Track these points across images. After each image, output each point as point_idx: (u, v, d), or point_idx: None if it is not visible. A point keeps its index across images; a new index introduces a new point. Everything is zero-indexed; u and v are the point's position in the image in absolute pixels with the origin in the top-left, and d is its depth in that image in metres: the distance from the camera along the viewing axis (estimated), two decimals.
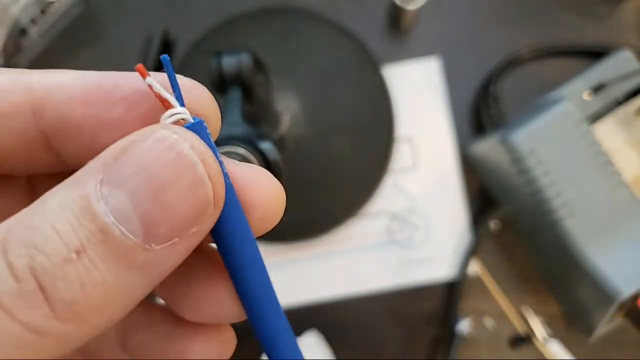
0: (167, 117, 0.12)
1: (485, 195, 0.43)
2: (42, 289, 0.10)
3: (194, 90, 0.13)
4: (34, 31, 0.43)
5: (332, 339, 0.42)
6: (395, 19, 0.43)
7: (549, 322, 0.42)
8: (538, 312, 0.43)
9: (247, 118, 0.28)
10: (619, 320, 0.39)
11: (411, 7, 0.40)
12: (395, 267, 0.43)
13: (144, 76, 0.12)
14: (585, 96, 0.40)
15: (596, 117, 0.39)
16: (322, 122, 0.42)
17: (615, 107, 0.40)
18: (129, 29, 0.44)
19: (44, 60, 0.45)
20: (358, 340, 0.43)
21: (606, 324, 0.37)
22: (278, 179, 0.26)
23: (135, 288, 0.11)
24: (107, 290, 0.10)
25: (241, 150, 0.24)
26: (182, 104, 0.12)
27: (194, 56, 0.43)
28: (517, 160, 0.38)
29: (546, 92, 0.40)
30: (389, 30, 0.45)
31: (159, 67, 0.40)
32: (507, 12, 0.45)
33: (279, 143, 0.40)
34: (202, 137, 0.12)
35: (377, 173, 0.43)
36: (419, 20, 0.44)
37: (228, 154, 0.24)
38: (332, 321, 0.43)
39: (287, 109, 0.41)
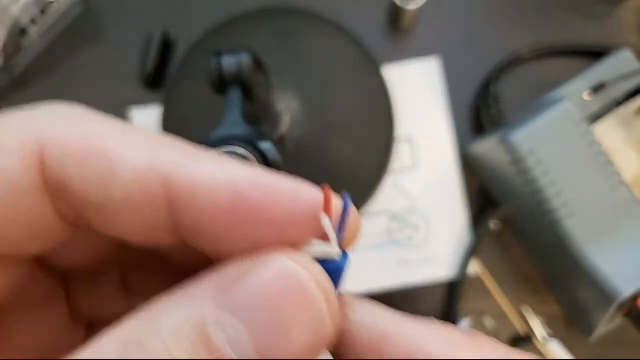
0: (311, 246, 0.11)
1: (485, 195, 0.43)
2: None
3: (352, 219, 0.12)
4: (34, 31, 0.43)
5: None
6: (395, 19, 0.43)
7: (549, 322, 0.42)
8: (538, 312, 0.43)
9: (247, 118, 0.28)
10: (619, 320, 0.39)
11: (411, 7, 0.40)
12: (395, 267, 0.43)
13: (327, 212, 0.11)
14: (585, 96, 0.40)
15: (596, 117, 0.39)
16: (322, 122, 0.42)
17: (615, 107, 0.40)
18: (129, 29, 0.44)
19: (44, 60, 0.45)
20: None
21: (606, 324, 0.37)
22: None
23: None
24: None
25: (241, 151, 0.24)
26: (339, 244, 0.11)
27: (194, 56, 0.43)
28: (517, 160, 0.38)
29: (546, 92, 0.40)
30: (389, 30, 0.45)
31: (159, 68, 0.40)
32: (507, 12, 0.45)
33: (279, 143, 0.40)
34: (335, 275, 0.11)
35: (377, 173, 0.43)
36: (419, 20, 0.44)
37: (228, 154, 0.24)
38: None
39: (287, 109, 0.41)
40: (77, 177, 0.11)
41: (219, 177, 0.11)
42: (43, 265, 0.13)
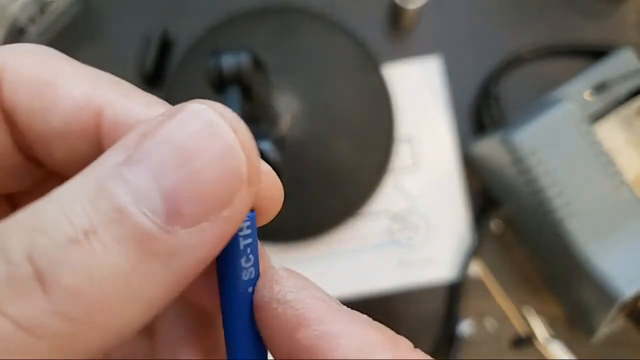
0: None
1: (486, 195, 0.43)
2: (38, 274, 0.08)
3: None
4: (32, 30, 0.43)
5: None
6: (396, 18, 0.43)
7: (551, 323, 0.42)
8: (539, 313, 0.42)
9: (246, 118, 0.28)
10: (621, 321, 0.38)
11: (411, 6, 0.40)
12: (395, 267, 0.43)
13: None
14: (587, 96, 0.40)
15: (597, 117, 0.39)
16: (321, 121, 0.42)
17: (616, 106, 0.40)
18: (128, 28, 0.44)
19: None
20: None
21: (608, 324, 0.37)
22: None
23: (156, 283, 0.09)
24: (119, 280, 0.08)
25: None
26: None
27: (193, 55, 0.43)
28: (518, 160, 0.37)
29: (547, 91, 0.40)
30: (390, 29, 0.44)
31: (158, 67, 0.40)
32: (508, 12, 0.45)
33: (279, 143, 0.40)
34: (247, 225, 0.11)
35: (377, 173, 0.43)
36: (420, 20, 0.44)
37: None
38: None
39: (287, 108, 0.41)
40: (24, 104, 0.11)
41: (141, 114, 0.11)
42: None
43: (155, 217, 0.09)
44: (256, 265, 0.12)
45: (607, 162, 0.37)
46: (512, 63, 0.44)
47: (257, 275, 0.12)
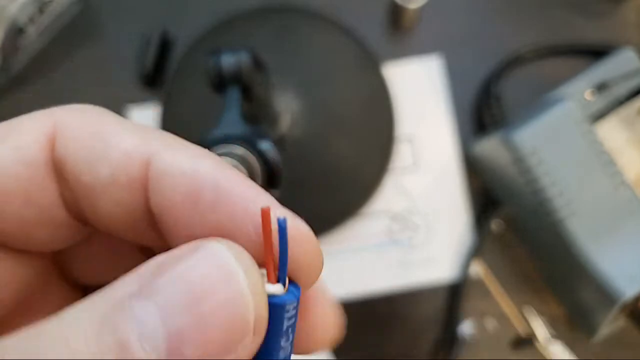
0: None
1: (487, 195, 0.43)
2: None
3: (298, 236, 0.12)
4: (31, 30, 0.43)
5: None
6: (396, 17, 0.43)
7: (552, 323, 0.42)
8: (540, 313, 0.42)
9: (246, 117, 0.28)
10: (622, 321, 0.38)
11: (412, 5, 0.40)
12: (396, 267, 0.43)
13: (266, 235, 0.10)
14: (587, 95, 0.40)
15: (598, 117, 0.39)
16: (322, 121, 0.42)
17: (617, 106, 0.40)
18: (128, 28, 0.44)
19: (42, 59, 0.44)
20: (359, 341, 0.43)
21: (609, 324, 0.37)
22: (277, 180, 0.26)
23: None
24: None
25: (240, 150, 0.24)
26: (284, 275, 0.11)
27: (192, 55, 0.43)
28: (518, 159, 0.37)
29: (548, 91, 0.40)
30: (390, 28, 0.44)
31: (157, 67, 0.40)
32: (508, 11, 0.45)
33: (279, 143, 0.40)
34: (276, 312, 0.10)
35: (377, 173, 0.43)
36: (420, 19, 0.44)
37: (227, 154, 0.23)
38: None
39: (287, 108, 0.41)
40: (75, 156, 0.11)
41: (186, 166, 0.11)
42: (62, 273, 0.14)
43: (156, 356, 0.09)
44: (292, 341, 0.11)
45: (607, 162, 0.37)
46: (513, 63, 0.43)
47: (292, 351, 0.11)
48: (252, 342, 0.10)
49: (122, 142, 0.12)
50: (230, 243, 0.10)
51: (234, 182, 0.11)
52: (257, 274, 0.10)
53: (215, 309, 0.09)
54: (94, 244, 0.14)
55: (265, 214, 0.11)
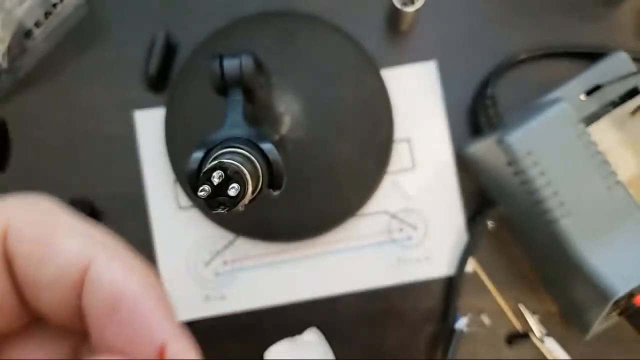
0: None
1: (482, 195, 0.44)
2: None
3: None
4: (38, 34, 0.44)
5: (332, 337, 0.43)
6: (394, 21, 0.44)
7: (545, 320, 0.43)
8: (534, 311, 0.43)
9: (248, 119, 0.29)
10: (615, 319, 0.39)
11: (410, 9, 0.41)
12: (393, 266, 0.44)
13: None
14: (582, 97, 0.40)
15: (592, 118, 0.40)
16: (322, 123, 0.43)
17: (611, 108, 0.40)
18: (132, 32, 0.45)
19: (48, 62, 0.45)
20: (357, 338, 0.44)
21: (602, 322, 0.38)
22: (279, 180, 0.27)
23: None
24: None
25: (243, 152, 0.25)
26: None
27: (196, 59, 0.44)
28: (514, 160, 0.38)
29: (543, 93, 0.41)
30: (388, 32, 0.45)
31: (162, 70, 0.41)
32: (504, 14, 0.45)
33: (280, 144, 0.40)
34: None
35: (376, 174, 0.43)
36: (417, 23, 0.45)
37: (230, 155, 0.24)
38: (331, 319, 0.44)
39: (288, 110, 0.42)
40: (24, 256, 0.13)
41: (115, 278, 0.13)
42: None
43: None
44: None
45: (601, 163, 0.37)
46: (508, 65, 0.44)
47: None
48: None
49: (66, 249, 0.13)
50: None
51: (152, 304, 0.13)
52: None
53: None
54: (31, 330, 0.15)
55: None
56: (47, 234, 0.13)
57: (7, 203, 0.14)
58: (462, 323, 0.43)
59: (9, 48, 0.42)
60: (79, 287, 0.13)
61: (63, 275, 0.13)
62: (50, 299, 0.13)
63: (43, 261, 0.13)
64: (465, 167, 0.44)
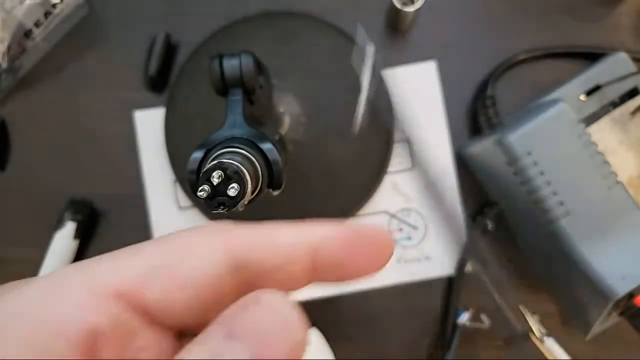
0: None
1: (482, 195, 0.44)
2: None
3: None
4: (38, 33, 0.44)
5: (333, 335, 0.43)
6: (394, 21, 0.44)
7: (545, 320, 0.43)
8: (534, 310, 0.43)
9: (248, 119, 0.29)
10: (615, 319, 0.39)
11: (410, 9, 0.41)
12: (394, 265, 0.44)
13: None
14: (581, 98, 0.40)
15: (592, 119, 0.40)
16: (321, 123, 0.43)
17: (610, 108, 0.40)
18: (132, 32, 0.45)
19: (48, 62, 0.45)
20: (357, 338, 0.44)
21: (602, 322, 0.38)
22: (279, 180, 0.27)
23: None
24: None
25: (243, 152, 0.25)
26: None
27: (196, 59, 0.44)
28: (513, 160, 0.38)
29: (543, 94, 0.41)
30: (388, 33, 0.45)
31: (162, 71, 0.41)
32: (504, 15, 0.45)
33: (280, 144, 0.40)
34: None
35: (376, 174, 0.43)
36: (417, 23, 0.45)
37: (230, 155, 0.24)
38: (332, 317, 0.44)
39: (288, 110, 0.42)
40: (261, 258, 0.15)
41: (334, 231, 0.15)
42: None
43: None
44: None
45: (601, 163, 0.37)
46: (508, 66, 0.44)
47: None
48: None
49: (282, 239, 0.15)
50: (283, 296, 0.13)
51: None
52: (301, 316, 0.13)
53: (278, 343, 0.12)
54: None
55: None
56: (269, 237, 0.15)
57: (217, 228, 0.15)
58: (464, 318, 0.43)
59: (9, 48, 0.42)
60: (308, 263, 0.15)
61: (292, 257, 0.15)
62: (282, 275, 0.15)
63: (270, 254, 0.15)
64: (465, 167, 0.44)
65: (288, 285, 0.15)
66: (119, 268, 0.13)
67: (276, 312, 0.13)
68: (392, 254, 0.16)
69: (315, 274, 0.16)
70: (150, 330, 0.14)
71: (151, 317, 0.14)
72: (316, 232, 0.15)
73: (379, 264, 0.16)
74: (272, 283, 0.15)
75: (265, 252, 0.15)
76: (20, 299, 0.12)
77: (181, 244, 0.14)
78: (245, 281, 0.15)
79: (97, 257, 0.14)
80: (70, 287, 0.13)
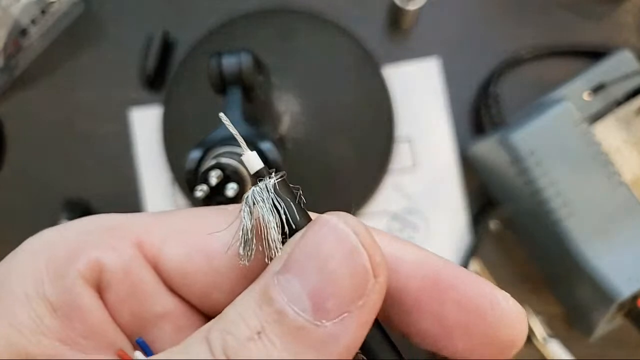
0: None
1: (485, 195, 0.43)
2: None
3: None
4: (34, 31, 0.43)
5: None
6: (396, 19, 0.43)
7: (549, 322, 0.42)
8: (538, 312, 0.43)
9: (247, 118, 0.28)
10: (619, 320, 0.39)
11: (411, 7, 0.40)
12: None
13: None
14: (585, 96, 0.40)
15: (596, 117, 0.40)
16: (322, 122, 0.42)
17: (615, 107, 0.40)
18: (129, 30, 0.44)
19: (45, 60, 0.45)
20: None
21: (606, 324, 0.38)
22: None
23: None
24: None
25: (241, 151, 0.24)
26: None
27: (194, 57, 0.43)
28: (517, 160, 0.38)
29: (546, 92, 0.40)
30: (389, 30, 0.45)
31: (159, 69, 0.41)
32: (507, 13, 0.45)
33: (279, 143, 0.40)
34: None
35: (377, 173, 0.43)
36: (419, 21, 0.44)
37: (228, 154, 0.24)
38: None
39: (287, 109, 0.41)
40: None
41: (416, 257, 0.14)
42: None
43: (306, 314, 0.11)
44: None
45: (605, 163, 0.37)
46: (511, 64, 0.44)
47: None
48: (377, 284, 0.12)
49: None
50: (340, 214, 0.12)
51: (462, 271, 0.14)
52: (364, 230, 0.12)
53: (338, 265, 0.11)
54: None
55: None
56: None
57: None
58: None
59: (5, 46, 0.42)
60: None
61: None
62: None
63: None
64: (468, 166, 0.44)
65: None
66: (148, 224, 0.14)
67: (339, 235, 0.12)
68: (520, 341, 0.13)
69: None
70: (170, 299, 0.14)
71: (168, 281, 0.14)
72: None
73: (484, 345, 0.13)
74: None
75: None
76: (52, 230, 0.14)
77: (209, 216, 0.14)
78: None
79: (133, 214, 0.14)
80: (94, 225, 0.14)
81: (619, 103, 0.40)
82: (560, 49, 0.44)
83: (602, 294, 0.36)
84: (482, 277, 0.14)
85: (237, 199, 0.22)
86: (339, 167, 0.43)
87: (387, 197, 0.43)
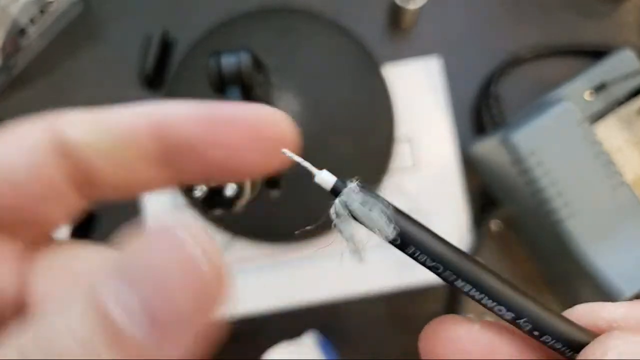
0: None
1: (486, 195, 0.43)
2: None
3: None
4: (33, 31, 0.43)
5: (333, 340, 0.42)
6: (396, 18, 0.43)
7: None
8: None
9: None
10: None
11: (412, 6, 0.40)
12: (396, 267, 0.43)
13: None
14: (587, 96, 0.40)
15: (597, 117, 0.39)
16: (321, 121, 0.42)
17: (616, 106, 0.40)
18: (128, 29, 0.44)
19: (43, 60, 0.45)
20: (358, 341, 0.43)
21: None
22: (277, 180, 0.26)
23: None
24: None
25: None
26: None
27: (193, 56, 0.43)
28: (518, 160, 0.37)
29: (547, 91, 0.40)
30: (389, 29, 0.44)
31: (158, 68, 0.40)
32: (508, 12, 0.45)
33: None
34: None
35: (377, 173, 0.43)
36: (420, 20, 0.44)
37: None
38: (332, 322, 0.43)
39: (287, 108, 0.41)
40: (87, 139, 0.13)
41: (187, 108, 0.13)
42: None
43: (140, 331, 0.10)
44: None
45: (607, 163, 0.37)
46: (512, 63, 0.44)
47: None
48: (212, 299, 0.11)
49: (124, 116, 0.14)
50: (185, 225, 0.11)
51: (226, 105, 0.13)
52: (207, 239, 0.11)
53: (184, 295, 0.10)
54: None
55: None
56: (101, 115, 0.14)
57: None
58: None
59: (3, 46, 0.42)
60: (148, 137, 0.13)
61: (129, 134, 0.13)
62: (127, 161, 0.13)
63: (107, 133, 0.13)
64: (469, 166, 0.43)
65: (134, 179, 0.13)
66: None
67: (172, 244, 0.11)
68: (290, 137, 0.13)
69: (169, 164, 0.13)
70: None
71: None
72: (161, 108, 0.13)
73: (263, 149, 0.13)
74: (109, 176, 0.13)
75: (89, 132, 0.13)
76: None
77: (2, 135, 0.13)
78: (78, 172, 0.13)
79: None
80: None
81: (621, 103, 0.40)
82: (562, 48, 0.44)
83: (604, 295, 0.36)
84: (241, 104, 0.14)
85: (236, 199, 0.22)
86: (339, 167, 0.42)
87: (387, 197, 0.43)
